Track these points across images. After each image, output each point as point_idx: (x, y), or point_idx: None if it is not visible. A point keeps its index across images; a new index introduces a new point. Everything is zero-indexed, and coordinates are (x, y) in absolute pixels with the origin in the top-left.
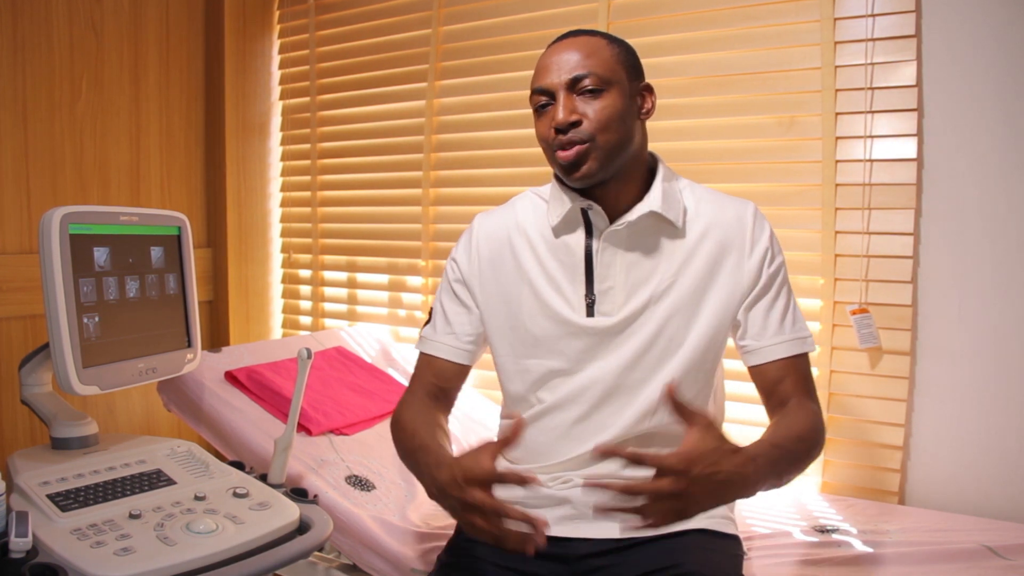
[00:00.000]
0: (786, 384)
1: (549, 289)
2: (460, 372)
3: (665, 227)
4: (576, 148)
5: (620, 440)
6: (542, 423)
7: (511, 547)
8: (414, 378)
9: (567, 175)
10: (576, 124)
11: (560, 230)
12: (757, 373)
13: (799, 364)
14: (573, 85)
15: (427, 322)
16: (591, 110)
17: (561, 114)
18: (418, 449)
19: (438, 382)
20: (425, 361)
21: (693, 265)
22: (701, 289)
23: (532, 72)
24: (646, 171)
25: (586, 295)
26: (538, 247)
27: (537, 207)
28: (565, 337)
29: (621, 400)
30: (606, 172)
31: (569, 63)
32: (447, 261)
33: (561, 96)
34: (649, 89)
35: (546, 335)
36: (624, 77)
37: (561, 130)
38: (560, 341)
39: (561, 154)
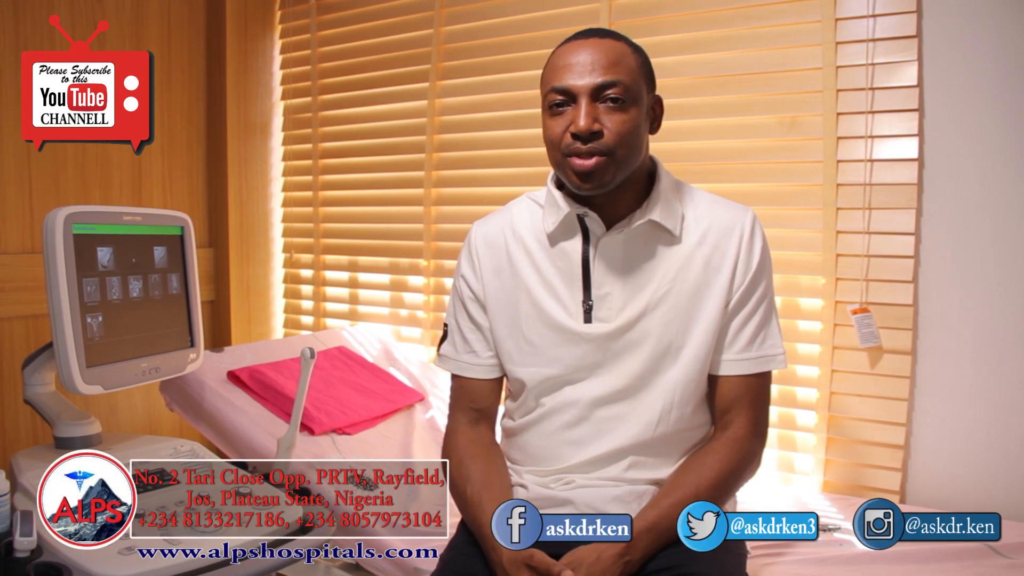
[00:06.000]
0: (733, 412)
1: (546, 295)
2: (492, 388)
3: (662, 234)
4: (596, 159)
5: (625, 449)
6: (541, 427)
7: None
8: (452, 404)
9: (580, 182)
10: (597, 134)
11: (556, 236)
12: (712, 384)
13: (756, 384)
14: (598, 92)
15: (443, 337)
16: (612, 122)
17: (584, 122)
18: (469, 504)
19: (474, 405)
20: (456, 383)
21: (690, 271)
22: (698, 295)
23: (531, 72)
24: (646, 177)
25: (584, 300)
26: (535, 253)
27: (533, 212)
28: (563, 344)
29: (621, 407)
30: (616, 183)
31: (595, 67)
32: (455, 277)
33: (584, 102)
34: (660, 102)
35: (543, 342)
36: (645, 90)
37: (581, 137)
38: (557, 348)
39: (578, 162)
